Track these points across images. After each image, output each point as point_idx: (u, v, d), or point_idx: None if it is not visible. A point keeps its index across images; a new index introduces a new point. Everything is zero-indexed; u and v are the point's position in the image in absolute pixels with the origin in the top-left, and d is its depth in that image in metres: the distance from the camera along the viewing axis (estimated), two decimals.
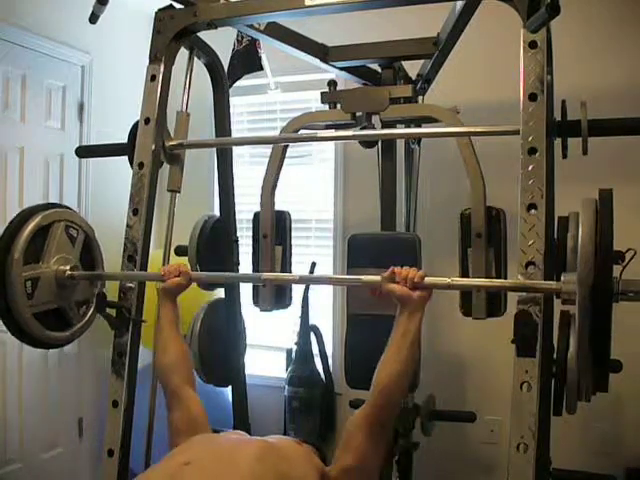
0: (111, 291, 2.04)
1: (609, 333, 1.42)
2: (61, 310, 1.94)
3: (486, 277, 1.93)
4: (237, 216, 2.75)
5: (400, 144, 2.81)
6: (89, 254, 2.07)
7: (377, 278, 1.60)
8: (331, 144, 3.70)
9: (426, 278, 1.55)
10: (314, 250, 3.77)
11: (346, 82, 2.90)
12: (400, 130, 2.55)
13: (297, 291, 2.64)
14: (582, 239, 1.39)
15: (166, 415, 1.73)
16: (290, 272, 2.37)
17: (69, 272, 1.92)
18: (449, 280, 1.57)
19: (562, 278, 1.45)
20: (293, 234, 2.40)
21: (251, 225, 2.38)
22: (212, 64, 2.50)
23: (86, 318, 2.02)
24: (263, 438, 1.57)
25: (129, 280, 1.99)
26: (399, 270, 1.56)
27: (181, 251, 2.66)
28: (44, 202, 2.20)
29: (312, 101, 3.67)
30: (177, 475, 1.37)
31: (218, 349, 2.70)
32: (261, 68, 2.89)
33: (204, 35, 2.27)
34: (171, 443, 1.64)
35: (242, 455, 1.43)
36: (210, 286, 2.77)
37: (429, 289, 1.57)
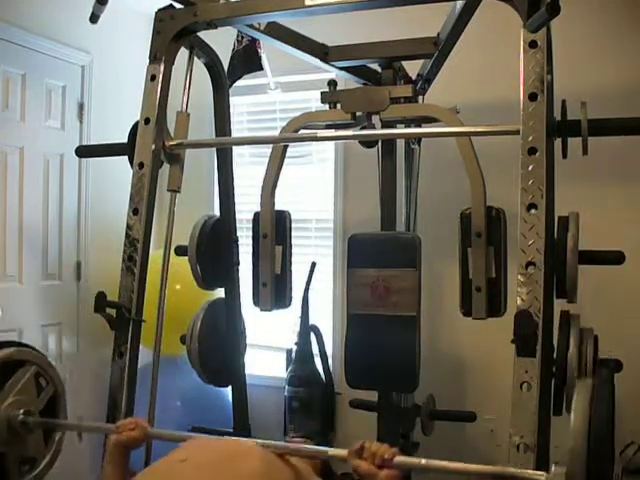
0: (111, 291, 2.04)
1: None
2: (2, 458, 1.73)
3: (486, 277, 1.93)
4: (237, 216, 2.75)
5: (400, 144, 2.81)
6: (52, 412, 1.87)
7: (343, 452, 1.47)
8: (331, 144, 3.70)
9: (397, 457, 1.42)
10: (314, 250, 3.77)
11: (346, 82, 2.90)
12: (400, 130, 2.56)
13: (297, 291, 2.64)
14: (574, 429, 1.24)
15: (166, 415, 1.73)
16: (290, 272, 2.37)
17: (22, 417, 1.73)
18: (424, 461, 1.42)
19: (552, 469, 1.29)
20: (293, 234, 2.40)
21: (251, 225, 2.38)
22: (212, 64, 2.50)
23: (52, 449, 1.84)
24: (260, 441, 1.57)
25: (86, 431, 1.87)
26: (368, 445, 1.43)
27: (181, 251, 2.67)
28: (15, 341, 2.03)
29: (312, 101, 3.67)
30: (173, 471, 1.39)
31: (218, 349, 2.71)
32: (261, 68, 2.88)
33: (204, 35, 2.27)
34: None
35: (242, 456, 1.45)
36: (210, 285, 2.77)
37: (399, 468, 1.43)
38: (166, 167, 2.18)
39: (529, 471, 1.38)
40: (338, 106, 2.29)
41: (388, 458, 1.40)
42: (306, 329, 3.44)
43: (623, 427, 3.00)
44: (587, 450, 1.22)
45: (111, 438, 1.67)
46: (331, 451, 1.55)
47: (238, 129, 3.94)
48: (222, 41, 2.62)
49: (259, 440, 1.57)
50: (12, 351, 1.82)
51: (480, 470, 1.42)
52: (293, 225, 2.41)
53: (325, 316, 3.64)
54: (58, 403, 1.89)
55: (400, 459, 1.42)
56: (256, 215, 2.36)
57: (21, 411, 1.74)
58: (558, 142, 1.89)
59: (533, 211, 1.61)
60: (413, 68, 2.76)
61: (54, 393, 1.88)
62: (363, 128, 2.38)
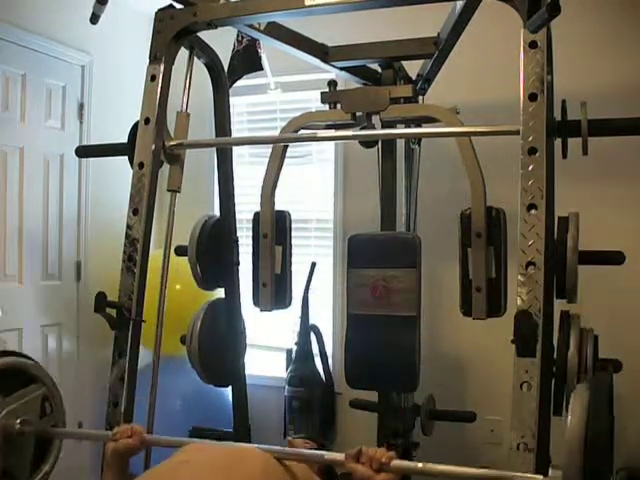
0: (111, 291, 2.04)
1: None
2: (7, 471, 1.72)
3: (486, 277, 1.92)
4: (237, 216, 2.75)
5: (400, 144, 2.81)
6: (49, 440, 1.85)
7: (340, 457, 1.47)
8: (331, 144, 3.70)
9: (394, 461, 1.42)
10: (314, 250, 3.77)
11: (346, 82, 2.90)
12: (400, 130, 2.55)
13: (297, 291, 2.64)
14: (570, 431, 1.23)
15: (166, 414, 1.74)
16: (290, 272, 2.37)
17: (18, 426, 1.71)
18: (420, 465, 1.42)
19: (550, 473, 1.31)
20: (293, 234, 2.40)
21: (251, 225, 2.38)
22: (212, 64, 2.50)
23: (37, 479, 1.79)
24: (257, 446, 1.58)
25: (82, 438, 1.93)
26: (366, 449, 1.43)
27: (181, 251, 2.67)
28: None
29: (312, 101, 3.67)
30: (174, 474, 1.40)
31: (218, 349, 2.70)
32: (261, 68, 2.88)
33: (204, 35, 2.27)
34: None
35: (241, 458, 1.46)
36: (210, 285, 2.77)
37: (396, 473, 1.43)
38: (166, 167, 2.18)
39: (527, 475, 1.37)
40: (338, 106, 2.29)
41: (385, 462, 1.41)
42: (306, 329, 3.43)
43: (623, 427, 3.01)
44: (583, 454, 1.21)
45: (108, 446, 1.65)
46: (328, 455, 1.54)
47: (238, 129, 3.94)
48: (222, 41, 2.62)
49: (257, 445, 1.57)
50: (30, 364, 1.82)
51: (478, 474, 1.41)
52: (293, 225, 2.41)
53: (325, 316, 3.64)
54: (54, 402, 1.86)
55: (397, 463, 1.42)
56: (256, 215, 2.36)
57: (18, 420, 1.71)
58: (558, 142, 1.89)
59: (533, 211, 1.61)
60: (413, 68, 2.76)
61: (55, 424, 1.84)
62: (363, 128, 2.38)
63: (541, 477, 1.31)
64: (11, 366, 1.77)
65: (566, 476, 1.22)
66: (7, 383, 1.74)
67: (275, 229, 2.32)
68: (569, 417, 1.27)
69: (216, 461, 1.46)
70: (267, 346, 3.85)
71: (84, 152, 3.00)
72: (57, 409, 1.86)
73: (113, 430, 1.69)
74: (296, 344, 3.47)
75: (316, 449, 1.72)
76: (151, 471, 1.53)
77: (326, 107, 2.36)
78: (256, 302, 2.35)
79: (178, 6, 2.12)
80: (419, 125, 2.66)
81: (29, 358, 1.85)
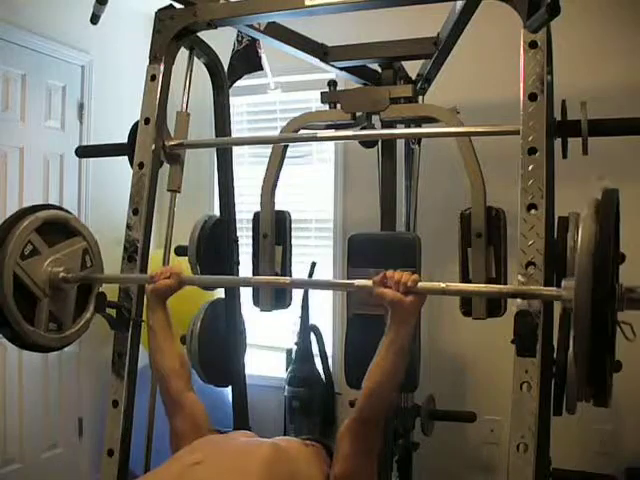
0: (111, 291, 2.04)
1: (610, 346, 1.34)
2: (53, 314, 1.86)
3: (486, 277, 1.93)
4: (237, 216, 2.75)
5: (400, 144, 2.81)
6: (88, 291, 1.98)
7: (369, 282, 1.52)
8: (331, 144, 3.70)
9: (420, 283, 1.47)
10: (314, 250, 3.77)
11: (346, 82, 2.90)
12: (400, 130, 2.55)
13: (297, 291, 2.64)
14: (581, 240, 1.33)
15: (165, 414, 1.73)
16: (290, 272, 2.37)
17: (63, 274, 1.84)
18: (444, 285, 1.48)
19: (563, 283, 1.38)
20: (293, 234, 2.40)
21: (251, 225, 2.38)
22: (212, 64, 2.50)
23: (80, 323, 1.94)
24: (271, 440, 1.56)
25: (122, 282, 2.00)
26: (391, 274, 1.47)
27: (181, 251, 2.66)
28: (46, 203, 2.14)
29: (312, 101, 3.67)
30: (188, 474, 1.36)
31: (218, 349, 2.70)
32: (261, 68, 2.88)
33: (204, 35, 2.27)
34: (174, 447, 1.62)
35: (253, 456, 1.43)
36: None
37: (422, 294, 1.48)
38: (166, 167, 2.18)
39: (542, 288, 1.48)
40: (338, 106, 2.29)
41: (411, 285, 1.45)
42: (306, 329, 3.44)
43: (623, 421, 3.02)
44: (593, 265, 1.27)
45: (148, 288, 1.77)
46: (357, 282, 1.59)
47: (238, 129, 3.94)
48: (222, 41, 2.62)
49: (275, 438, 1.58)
50: (71, 217, 1.93)
51: (491, 290, 1.63)
52: (293, 225, 2.41)
53: (325, 316, 3.64)
54: (92, 252, 1.99)
55: (422, 284, 1.47)
56: (256, 215, 2.36)
57: (62, 269, 1.83)
58: (558, 142, 1.89)
59: (533, 211, 1.60)
60: (413, 68, 2.76)
61: (85, 247, 1.95)
62: (363, 128, 2.38)
63: (554, 288, 1.43)
64: (55, 218, 1.89)
65: (579, 282, 1.26)
66: (51, 235, 1.85)
67: (275, 229, 2.32)
68: (580, 227, 1.36)
69: (231, 462, 1.41)
70: (267, 346, 3.85)
71: (84, 152, 3.00)
72: (96, 262, 1.98)
73: (150, 273, 1.80)
74: (296, 344, 3.47)
75: (321, 451, 1.71)
76: (162, 469, 1.45)
77: (326, 107, 2.36)
78: (256, 302, 2.35)
79: (178, 6, 2.11)
80: (419, 125, 2.66)
81: (69, 212, 1.97)
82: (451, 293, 1.54)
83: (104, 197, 3.58)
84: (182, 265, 1.85)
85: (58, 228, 1.88)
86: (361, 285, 1.59)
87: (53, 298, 1.84)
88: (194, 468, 1.37)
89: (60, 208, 2.00)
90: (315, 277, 3.39)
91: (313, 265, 3.40)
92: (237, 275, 2.74)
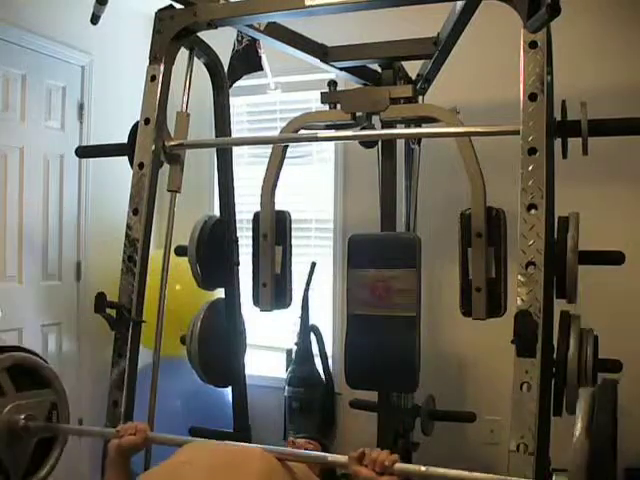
0: (111, 291, 2.04)
1: None
2: (3, 464, 1.71)
3: (486, 277, 1.92)
4: (237, 216, 2.75)
5: (400, 144, 2.81)
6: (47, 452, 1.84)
7: (344, 459, 1.49)
8: (331, 144, 3.70)
9: (397, 464, 1.43)
10: (314, 250, 3.76)
11: (346, 82, 2.90)
12: (400, 130, 2.55)
13: (297, 291, 2.64)
14: (576, 440, 1.27)
15: (166, 415, 1.74)
16: (290, 272, 2.37)
17: (23, 422, 1.71)
18: (424, 468, 1.43)
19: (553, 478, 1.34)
20: (293, 234, 2.40)
21: (251, 225, 2.38)
22: (212, 64, 2.50)
23: None
24: (260, 446, 1.58)
25: (87, 435, 1.96)
26: (369, 451, 1.45)
27: (181, 251, 2.67)
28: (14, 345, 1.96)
29: (312, 101, 3.67)
30: (176, 473, 1.40)
31: (218, 349, 2.70)
32: (261, 68, 2.88)
33: (204, 35, 2.27)
34: None
35: (242, 458, 1.46)
36: (210, 285, 2.77)
37: (399, 476, 1.44)
38: (166, 167, 2.18)
39: None
40: (338, 106, 2.29)
41: (388, 465, 1.42)
42: (306, 329, 3.44)
43: (623, 421, 3.01)
44: (588, 465, 1.24)
45: (112, 443, 1.66)
46: (331, 457, 1.56)
47: (238, 129, 3.94)
48: (222, 41, 2.62)
49: (259, 445, 1.57)
50: (46, 367, 1.83)
51: (480, 479, 1.40)
52: (293, 225, 2.41)
53: (325, 316, 3.64)
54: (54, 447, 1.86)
55: (400, 466, 1.44)
56: (256, 215, 2.36)
57: (23, 415, 1.73)
58: (558, 142, 1.89)
59: (533, 211, 1.61)
60: (413, 68, 2.76)
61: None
62: (363, 128, 2.38)
63: None
64: (29, 363, 1.79)
65: None
66: (21, 379, 1.76)
67: (275, 229, 2.32)
68: (575, 425, 1.29)
69: (217, 462, 1.46)
70: (267, 346, 3.85)
71: (84, 152, 3.00)
72: (63, 417, 1.86)
73: (117, 427, 1.70)
74: (296, 344, 3.47)
75: (319, 450, 1.73)
76: (152, 471, 1.53)
77: (326, 107, 2.36)
78: (256, 302, 2.35)
79: (178, 6, 2.12)
80: (419, 125, 2.66)
81: (44, 360, 1.87)
82: (430, 477, 1.45)
83: (104, 197, 3.57)
84: (146, 425, 1.72)
85: (30, 374, 1.80)
86: (336, 461, 1.54)
87: (8, 445, 1.71)
88: (182, 466, 1.43)
89: (35, 354, 1.88)
90: (315, 277, 3.39)
91: (313, 265, 3.40)
92: (237, 275, 2.74)
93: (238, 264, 2.73)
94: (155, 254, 2.22)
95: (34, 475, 1.80)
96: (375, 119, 2.31)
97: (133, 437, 1.64)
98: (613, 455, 1.28)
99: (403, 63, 2.65)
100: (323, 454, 1.63)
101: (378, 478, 1.41)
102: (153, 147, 2.05)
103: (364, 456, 1.44)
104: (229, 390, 2.90)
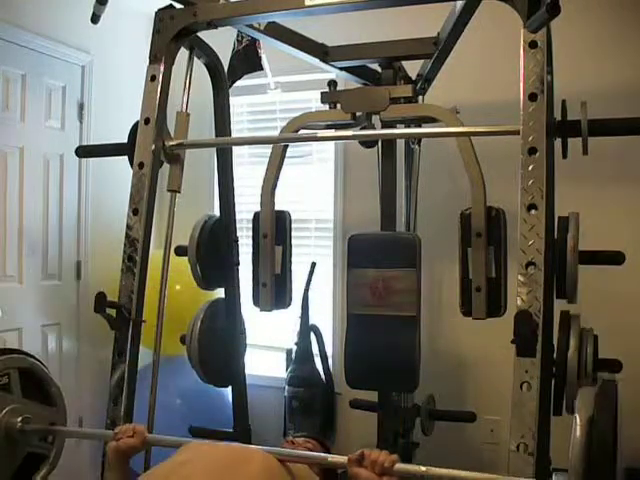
0: (111, 291, 2.04)
1: None
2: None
3: (486, 277, 1.92)
4: (237, 216, 2.75)
5: (400, 144, 2.81)
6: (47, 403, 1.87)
7: (343, 460, 1.48)
8: (331, 144, 3.70)
9: (397, 465, 1.43)
10: (314, 250, 3.76)
11: (346, 82, 2.90)
12: (400, 130, 2.55)
13: (297, 291, 2.64)
14: (576, 440, 1.26)
15: (166, 414, 1.74)
16: (290, 272, 2.37)
17: (20, 424, 1.72)
18: (423, 468, 1.43)
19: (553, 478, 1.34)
20: (293, 234, 2.40)
21: (251, 225, 2.38)
22: (212, 64, 2.50)
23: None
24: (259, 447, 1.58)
25: (85, 437, 1.97)
26: (368, 453, 1.44)
27: (181, 251, 2.67)
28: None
29: (312, 101, 3.67)
30: (176, 473, 1.40)
31: (218, 349, 2.70)
32: (261, 68, 2.88)
33: (204, 35, 2.27)
34: None
35: (242, 458, 1.46)
36: (210, 285, 2.77)
37: (398, 476, 1.44)
38: (166, 167, 2.18)
39: None
40: (338, 106, 2.29)
41: (388, 466, 1.41)
42: (306, 329, 3.44)
43: (623, 421, 3.01)
44: (588, 465, 1.24)
45: (110, 445, 1.66)
46: (331, 458, 1.56)
47: (238, 129, 3.94)
48: (222, 41, 2.62)
49: (259, 446, 1.58)
50: (55, 385, 1.85)
51: (480, 479, 1.41)
52: (293, 225, 2.41)
53: (325, 316, 3.64)
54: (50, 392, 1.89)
55: (400, 466, 1.43)
56: (256, 215, 2.36)
57: (19, 419, 1.73)
58: (558, 142, 1.89)
59: (533, 211, 1.61)
60: (413, 68, 2.76)
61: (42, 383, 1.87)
62: (363, 128, 2.38)
63: None
64: (41, 375, 1.81)
65: None
66: (30, 387, 1.78)
67: (275, 229, 2.32)
68: (573, 428, 1.29)
69: (217, 461, 1.46)
70: (267, 346, 3.85)
71: (84, 152, 3.00)
72: (57, 442, 1.87)
73: (115, 429, 1.69)
74: (296, 344, 3.47)
75: (318, 448, 1.73)
76: (151, 471, 1.54)
77: (326, 107, 2.36)
78: (256, 302, 2.35)
79: (178, 6, 2.12)
80: (419, 125, 2.66)
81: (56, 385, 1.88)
82: (430, 477, 1.44)
83: (104, 197, 3.58)
84: (144, 426, 1.71)
85: (38, 386, 1.81)
86: (335, 462, 1.54)
87: (13, 451, 1.72)
88: (180, 466, 1.43)
89: (46, 368, 1.90)
90: (315, 277, 3.39)
91: (313, 265, 3.40)
92: (237, 275, 2.74)
93: (238, 264, 2.73)
94: (155, 254, 2.22)
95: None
96: (375, 119, 2.31)
97: (131, 439, 1.64)
98: (613, 455, 1.27)
99: (403, 63, 2.65)
100: (323, 455, 1.63)
101: (378, 479, 1.41)
102: (153, 147, 2.05)
103: (363, 457, 1.44)
104: (229, 390, 2.90)
